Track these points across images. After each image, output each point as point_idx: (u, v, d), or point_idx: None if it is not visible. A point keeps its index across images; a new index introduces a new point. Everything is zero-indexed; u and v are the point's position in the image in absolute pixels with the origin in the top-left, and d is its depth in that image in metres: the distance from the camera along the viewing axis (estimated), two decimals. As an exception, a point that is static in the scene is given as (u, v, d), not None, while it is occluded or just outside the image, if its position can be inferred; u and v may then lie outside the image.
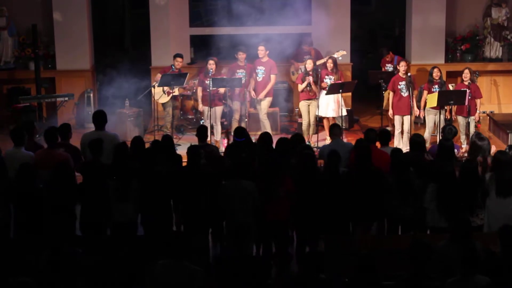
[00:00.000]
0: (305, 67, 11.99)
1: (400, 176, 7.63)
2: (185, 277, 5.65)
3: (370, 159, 7.88)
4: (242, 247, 6.06)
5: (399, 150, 8.63)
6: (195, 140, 11.82)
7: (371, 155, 7.93)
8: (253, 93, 12.19)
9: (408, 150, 9.32)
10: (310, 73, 11.82)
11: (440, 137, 9.65)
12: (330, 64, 12.04)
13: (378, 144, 8.84)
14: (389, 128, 12.03)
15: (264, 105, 12.21)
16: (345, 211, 7.74)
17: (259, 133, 12.36)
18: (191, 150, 7.99)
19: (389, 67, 13.53)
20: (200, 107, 12.27)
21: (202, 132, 9.00)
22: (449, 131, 9.11)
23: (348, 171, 8.04)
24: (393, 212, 7.69)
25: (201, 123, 12.38)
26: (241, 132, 8.97)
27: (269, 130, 11.93)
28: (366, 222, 7.96)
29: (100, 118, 8.96)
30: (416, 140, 8.48)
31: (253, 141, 9.64)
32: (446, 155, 8.01)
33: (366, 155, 7.89)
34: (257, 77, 12.17)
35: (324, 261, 5.71)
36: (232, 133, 8.98)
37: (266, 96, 12.15)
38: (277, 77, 12.45)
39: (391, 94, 11.86)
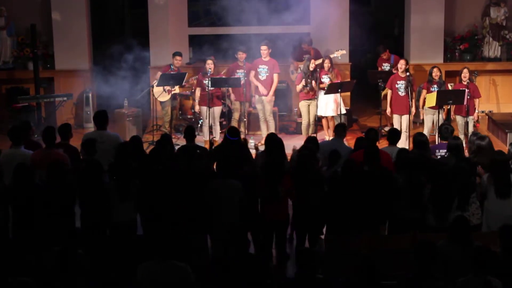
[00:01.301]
0: (304, 66, 11.97)
1: (409, 177, 7.46)
2: (173, 276, 5.64)
3: (379, 160, 7.77)
4: (234, 246, 6.05)
5: (406, 150, 8.54)
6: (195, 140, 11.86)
7: (379, 156, 7.82)
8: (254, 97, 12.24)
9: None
10: (309, 73, 11.80)
11: (438, 137, 9.63)
12: (327, 64, 12.05)
13: (383, 144, 8.80)
14: (387, 128, 12.03)
15: (269, 105, 12.23)
16: (351, 212, 7.65)
17: (259, 133, 12.47)
18: (182, 150, 7.98)
19: (385, 66, 13.48)
20: (197, 107, 12.28)
21: (189, 132, 8.90)
22: (445, 130, 9.06)
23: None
24: (398, 213, 7.50)
25: (200, 123, 12.39)
26: (235, 132, 8.96)
27: (273, 129, 11.95)
28: (373, 224, 7.69)
29: (101, 118, 8.95)
30: (419, 139, 8.39)
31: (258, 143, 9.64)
32: (457, 153, 8.00)
33: (375, 155, 7.78)
34: (260, 76, 12.17)
35: (319, 260, 5.67)
36: (225, 131, 8.92)
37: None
38: (279, 76, 12.44)
39: (389, 92, 11.87)
